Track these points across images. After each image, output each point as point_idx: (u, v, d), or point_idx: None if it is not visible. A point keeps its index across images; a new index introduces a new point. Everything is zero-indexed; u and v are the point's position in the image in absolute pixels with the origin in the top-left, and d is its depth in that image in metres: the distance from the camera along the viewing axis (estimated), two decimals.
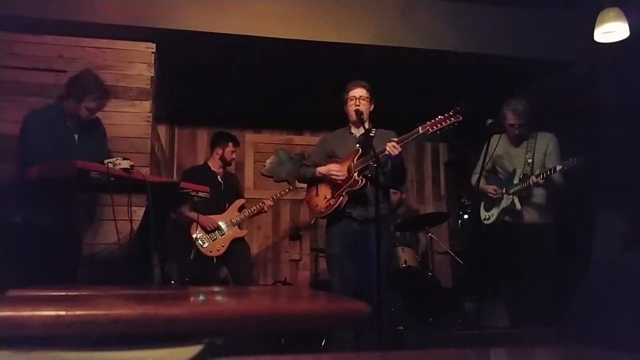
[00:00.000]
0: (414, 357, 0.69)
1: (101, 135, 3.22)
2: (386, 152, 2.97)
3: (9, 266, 2.60)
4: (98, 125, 3.21)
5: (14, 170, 3.02)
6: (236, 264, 4.15)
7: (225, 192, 4.26)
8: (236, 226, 4.19)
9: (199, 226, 4.04)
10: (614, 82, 3.99)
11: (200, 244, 4.04)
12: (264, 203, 4.31)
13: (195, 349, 0.55)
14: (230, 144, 4.32)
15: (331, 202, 3.18)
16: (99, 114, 3.19)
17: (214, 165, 4.32)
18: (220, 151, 4.30)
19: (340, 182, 3.15)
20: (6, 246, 2.67)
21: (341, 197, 3.15)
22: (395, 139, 3.00)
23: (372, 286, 2.82)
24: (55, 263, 2.69)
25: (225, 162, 4.34)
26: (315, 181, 3.31)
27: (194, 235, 4.05)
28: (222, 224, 4.13)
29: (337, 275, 3.15)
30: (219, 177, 4.30)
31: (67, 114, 2.98)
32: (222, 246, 4.08)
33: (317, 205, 3.28)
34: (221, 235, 4.10)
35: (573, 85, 4.34)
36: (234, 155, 4.36)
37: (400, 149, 2.96)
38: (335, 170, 3.17)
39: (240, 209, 4.28)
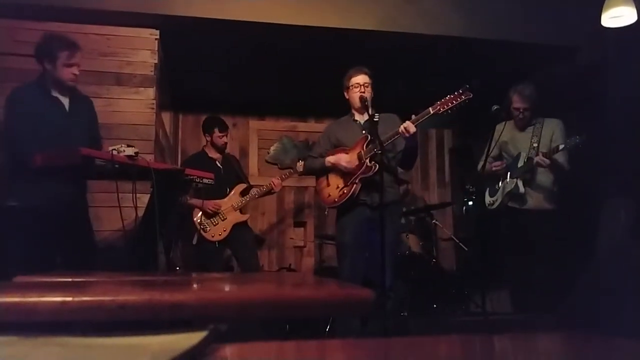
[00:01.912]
0: (418, 344, 0.70)
1: (93, 118, 3.17)
2: (400, 133, 2.95)
3: (6, 252, 2.61)
4: (89, 105, 3.16)
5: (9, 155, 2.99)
6: (240, 248, 4.18)
7: (225, 176, 4.23)
8: (238, 211, 4.19)
9: (200, 211, 4.05)
10: (621, 67, 3.95)
11: (202, 229, 4.05)
12: (272, 182, 4.26)
13: (199, 335, 0.55)
14: (216, 129, 4.25)
15: (345, 191, 3.16)
16: (98, 102, 3.16)
17: (210, 151, 4.31)
18: (209, 138, 4.29)
19: (351, 170, 3.13)
20: (3, 231, 2.67)
21: (354, 185, 3.12)
22: (410, 121, 2.97)
23: (382, 274, 2.81)
24: (53, 249, 2.69)
25: (217, 148, 4.30)
26: (324, 171, 3.28)
27: (196, 221, 4.06)
28: (223, 208, 4.13)
29: (347, 264, 3.14)
30: (217, 162, 4.28)
31: (51, 83, 2.93)
32: (224, 230, 4.09)
33: (329, 195, 3.25)
34: (223, 220, 4.10)
35: (580, 71, 4.30)
36: (224, 140, 4.30)
37: (414, 129, 2.94)
38: (345, 160, 3.16)
39: (243, 193, 4.27)
